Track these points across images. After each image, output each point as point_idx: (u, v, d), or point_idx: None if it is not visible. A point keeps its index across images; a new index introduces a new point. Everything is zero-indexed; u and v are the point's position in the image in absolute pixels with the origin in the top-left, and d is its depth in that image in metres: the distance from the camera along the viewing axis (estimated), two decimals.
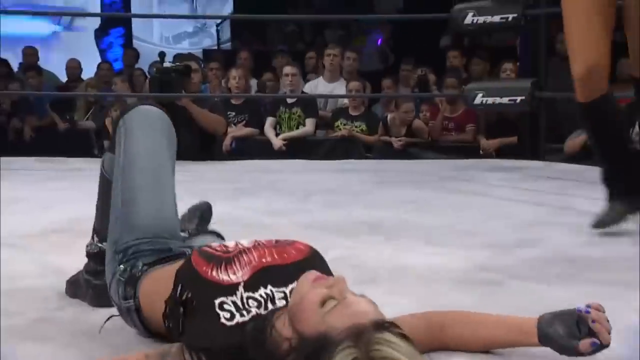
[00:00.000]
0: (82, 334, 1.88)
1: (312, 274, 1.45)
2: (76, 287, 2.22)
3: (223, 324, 1.46)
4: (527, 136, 5.39)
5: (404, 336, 1.21)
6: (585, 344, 1.45)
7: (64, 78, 9.03)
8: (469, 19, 4.99)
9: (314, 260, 1.60)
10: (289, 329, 1.35)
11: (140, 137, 1.93)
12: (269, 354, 1.35)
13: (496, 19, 4.97)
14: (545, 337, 1.53)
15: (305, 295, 1.37)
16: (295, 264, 1.56)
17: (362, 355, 1.14)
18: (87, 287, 2.16)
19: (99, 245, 2.11)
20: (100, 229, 2.12)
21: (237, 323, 1.45)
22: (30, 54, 9.01)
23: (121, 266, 1.79)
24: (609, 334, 1.49)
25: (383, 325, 1.23)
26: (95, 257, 2.14)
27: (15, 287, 2.26)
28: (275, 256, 1.58)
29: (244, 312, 1.47)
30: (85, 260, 2.17)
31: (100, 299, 2.08)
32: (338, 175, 4.89)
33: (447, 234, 2.91)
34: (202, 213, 2.45)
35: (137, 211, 1.85)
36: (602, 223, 2.82)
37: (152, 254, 1.78)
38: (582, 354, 1.48)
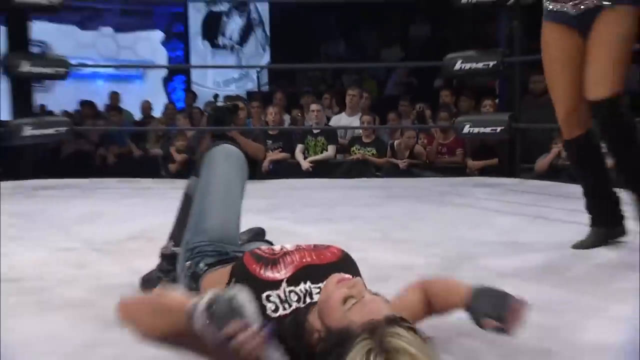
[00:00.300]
0: None
1: (336, 276, 1.44)
2: (149, 283, 2.21)
3: (269, 316, 1.44)
4: (506, 158, 5.38)
5: (411, 329, 1.20)
6: (489, 322, 1.44)
7: (138, 115, 9.13)
8: (458, 66, 4.98)
9: (345, 262, 1.59)
10: (319, 322, 1.34)
11: (219, 166, 2.00)
12: (304, 343, 1.35)
13: (480, 65, 4.96)
14: (469, 308, 1.51)
15: (331, 294, 1.36)
16: (330, 264, 1.56)
17: (377, 346, 1.13)
18: (159, 283, 2.16)
19: (173, 249, 2.12)
20: (176, 236, 2.13)
21: (280, 316, 1.44)
22: (114, 97, 9.20)
23: (187, 262, 1.80)
24: (518, 326, 1.45)
25: (395, 320, 1.22)
26: (168, 258, 2.15)
27: (102, 283, 2.27)
28: (314, 257, 1.58)
29: (286, 305, 1.47)
30: (159, 261, 2.18)
31: None
32: (354, 191, 4.90)
33: (444, 239, 2.87)
34: (257, 232, 2.45)
35: (207, 219, 1.87)
36: (583, 245, 2.66)
37: (213, 256, 1.77)
38: (483, 328, 1.47)
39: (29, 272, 2.40)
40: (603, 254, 2.54)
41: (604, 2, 2.41)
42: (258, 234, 2.45)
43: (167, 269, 2.14)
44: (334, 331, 1.26)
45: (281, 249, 1.62)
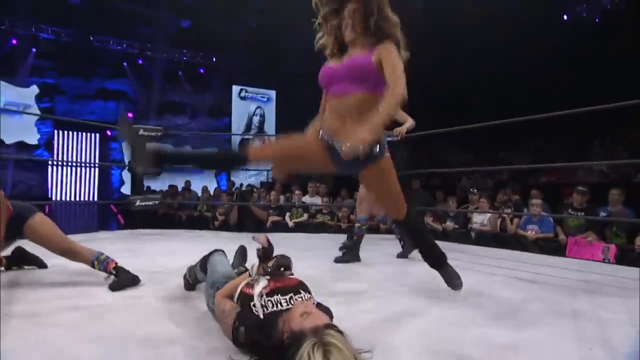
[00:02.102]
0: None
1: (300, 302, 1.43)
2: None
3: (257, 314, 1.41)
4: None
5: (340, 332, 1.18)
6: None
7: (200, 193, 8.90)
8: None
9: (301, 285, 1.54)
10: (287, 326, 1.30)
11: (215, 256, 1.98)
12: (276, 338, 1.29)
13: None
14: None
15: (294, 310, 1.34)
16: (291, 286, 1.52)
17: (318, 342, 1.12)
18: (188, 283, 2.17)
19: (195, 269, 2.12)
20: (200, 264, 2.08)
21: (264, 314, 1.41)
22: (187, 183, 9.08)
23: (212, 290, 1.74)
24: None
25: (330, 326, 1.22)
26: (191, 271, 2.16)
27: (173, 292, 2.19)
28: (281, 282, 1.53)
29: (265, 309, 1.42)
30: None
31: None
32: (317, 240, 4.82)
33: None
34: (241, 252, 2.37)
35: (217, 270, 1.82)
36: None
37: (222, 283, 1.72)
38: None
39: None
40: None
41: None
42: (242, 254, 2.35)
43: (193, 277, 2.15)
44: (295, 333, 1.23)
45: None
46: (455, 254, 3.77)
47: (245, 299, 1.49)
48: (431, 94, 8.94)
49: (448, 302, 2.12)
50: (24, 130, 10.91)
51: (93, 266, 2.21)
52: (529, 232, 4.44)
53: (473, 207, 5.64)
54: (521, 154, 9.17)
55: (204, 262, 2.03)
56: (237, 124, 12.80)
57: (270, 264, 1.59)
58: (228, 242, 3.79)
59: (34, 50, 10.87)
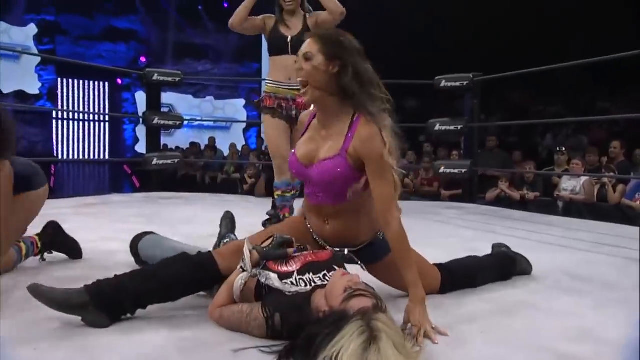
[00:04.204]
0: None
1: (340, 270, 1.41)
2: None
3: (289, 294, 1.40)
4: (467, 190, 5.24)
5: (388, 317, 1.17)
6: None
7: (226, 152, 9.09)
8: (437, 127, 4.94)
9: (335, 259, 1.51)
10: (324, 302, 1.29)
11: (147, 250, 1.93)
12: (310, 316, 1.29)
13: (451, 127, 4.91)
14: None
15: (335, 283, 1.32)
16: (325, 261, 1.49)
17: (365, 324, 1.10)
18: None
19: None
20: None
21: (293, 293, 1.40)
22: (210, 140, 9.24)
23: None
24: None
25: (380, 308, 1.20)
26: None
27: None
28: (314, 257, 1.50)
29: (297, 288, 1.41)
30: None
31: None
32: None
33: (426, 244, 2.78)
34: (230, 218, 2.34)
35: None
36: None
37: None
38: None
39: None
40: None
41: None
42: (231, 220, 2.32)
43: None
44: (336, 311, 1.21)
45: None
46: (540, 226, 3.64)
47: (260, 289, 1.46)
48: (507, 25, 8.43)
49: (539, 286, 2.02)
50: (23, 77, 10.90)
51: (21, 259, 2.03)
52: (638, 201, 4.22)
53: (560, 170, 5.38)
54: (620, 104, 8.60)
55: (136, 256, 1.96)
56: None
57: (266, 244, 1.52)
58: (257, 209, 3.80)
59: None
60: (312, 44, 1.51)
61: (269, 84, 2.93)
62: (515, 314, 1.67)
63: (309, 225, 1.70)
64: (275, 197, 2.99)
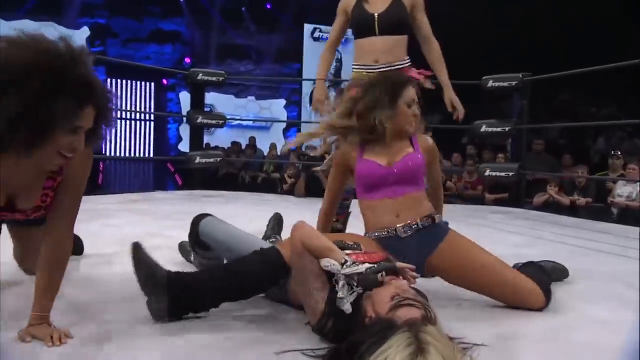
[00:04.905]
0: None
1: (391, 280, 1.33)
2: None
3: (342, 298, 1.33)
4: (514, 194, 5.09)
5: (436, 327, 1.13)
6: None
7: (266, 151, 9.14)
8: (483, 129, 4.79)
9: (388, 261, 1.44)
10: (371, 308, 1.24)
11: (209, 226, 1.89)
12: (359, 321, 1.26)
13: (499, 129, 4.75)
14: None
15: (384, 290, 1.27)
16: (377, 263, 1.40)
17: (413, 336, 1.05)
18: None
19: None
20: (192, 242, 1.96)
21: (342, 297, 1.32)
22: (251, 140, 9.34)
23: None
24: None
25: (429, 320, 1.15)
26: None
27: None
28: (367, 258, 1.43)
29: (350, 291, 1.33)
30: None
31: None
32: None
33: None
34: (278, 220, 2.35)
35: (243, 248, 1.72)
36: None
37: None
38: None
39: None
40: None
41: None
42: (278, 222, 2.33)
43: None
44: (383, 319, 1.17)
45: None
46: (593, 234, 3.46)
47: (328, 274, 1.41)
48: (562, 25, 8.13)
49: (595, 299, 1.90)
50: None
51: None
52: None
53: (615, 175, 5.13)
54: None
55: (196, 236, 1.89)
56: (310, 71, 12.72)
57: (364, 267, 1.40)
58: (296, 210, 3.78)
59: None
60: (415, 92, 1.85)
61: (355, 69, 2.54)
62: (573, 327, 1.57)
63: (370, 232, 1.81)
64: None
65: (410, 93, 1.81)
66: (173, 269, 1.65)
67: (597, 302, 1.83)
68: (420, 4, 2.49)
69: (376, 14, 2.42)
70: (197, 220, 1.87)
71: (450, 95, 2.43)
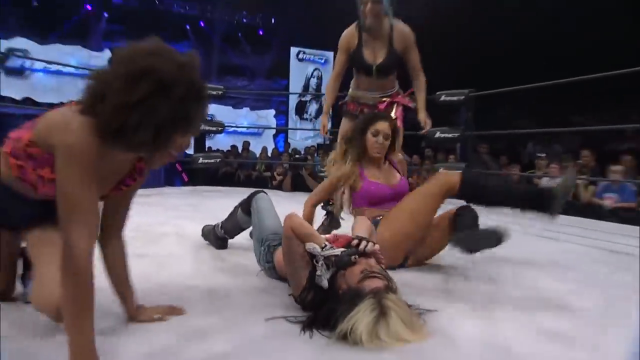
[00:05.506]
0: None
1: (363, 259, 1.30)
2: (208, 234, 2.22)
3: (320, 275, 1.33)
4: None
5: (396, 295, 1.15)
6: None
7: (258, 153, 9.00)
8: (437, 135, 4.82)
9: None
10: (345, 282, 1.24)
11: (263, 201, 1.90)
12: (334, 294, 1.25)
13: (449, 135, 4.79)
14: None
15: (355, 266, 1.27)
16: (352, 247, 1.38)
17: (377, 302, 1.07)
18: (215, 238, 2.16)
19: (220, 230, 2.14)
20: (225, 225, 2.13)
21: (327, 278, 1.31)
22: (245, 144, 9.17)
23: (262, 248, 1.69)
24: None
25: (391, 289, 1.17)
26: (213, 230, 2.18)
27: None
28: (340, 243, 1.40)
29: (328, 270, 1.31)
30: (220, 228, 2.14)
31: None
32: None
33: None
34: None
35: (265, 225, 1.75)
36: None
37: (274, 240, 1.67)
38: None
39: (191, 234, 2.39)
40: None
41: None
42: None
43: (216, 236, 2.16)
44: (352, 288, 1.19)
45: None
46: (522, 220, 3.50)
47: (310, 255, 1.41)
48: (494, 49, 8.23)
49: (530, 269, 1.94)
50: None
51: None
52: (607, 200, 4.05)
53: (540, 173, 5.24)
54: (591, 119, 8.33)
55: (247, 204, 1.94)
56: (295, 85, 12.68)
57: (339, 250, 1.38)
58: (284, 202, 3.77)
59: (105, 15, 11.26)
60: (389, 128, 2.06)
61: (352, 90, 2.62)
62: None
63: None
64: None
65: (377, 126, 2.01)
66: (180, 253, 1.64)
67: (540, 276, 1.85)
68: (411, 43, 2.44)
69: (374, 65, 2.44)
70: (255, 193, 1.95)
71: (422, 116, 2.60)
